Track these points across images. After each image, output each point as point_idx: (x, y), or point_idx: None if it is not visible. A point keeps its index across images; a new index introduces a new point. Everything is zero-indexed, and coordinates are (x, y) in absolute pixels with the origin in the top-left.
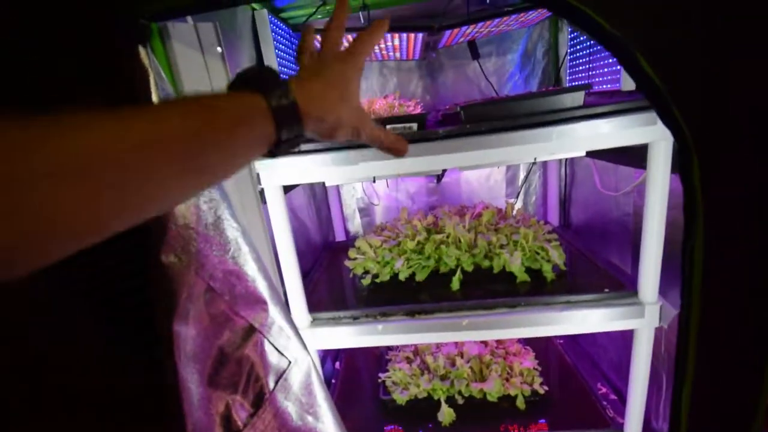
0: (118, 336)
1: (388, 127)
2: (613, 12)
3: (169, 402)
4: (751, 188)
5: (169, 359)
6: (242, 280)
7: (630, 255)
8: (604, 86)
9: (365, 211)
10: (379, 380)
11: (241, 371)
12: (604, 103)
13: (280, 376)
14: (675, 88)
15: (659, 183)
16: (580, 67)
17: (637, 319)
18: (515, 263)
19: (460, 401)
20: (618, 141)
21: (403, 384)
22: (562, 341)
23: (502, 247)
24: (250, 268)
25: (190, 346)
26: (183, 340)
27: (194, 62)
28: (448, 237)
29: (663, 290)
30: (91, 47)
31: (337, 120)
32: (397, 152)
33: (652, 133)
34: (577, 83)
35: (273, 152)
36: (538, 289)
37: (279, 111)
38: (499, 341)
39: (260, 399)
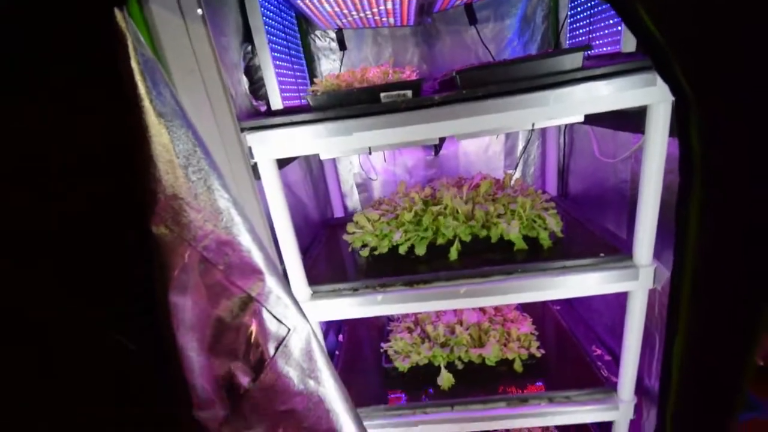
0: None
1: (382, 95)
2: None
3: (170, 369)
4: (750, 147)
5: (167, 329)
6: (236, 250)
7: (626, 221)
8: (604, 49)
9: (363, 187)
10: (381, 350)
11: (240, 339)
12: (603, 65)
13: (280, 342)
14: (675, 42)
15: (657, 146)
16: (580, 31)
17: (631, 282)
18: (513, 231)
19: (460, 366)
20: (617, 103)
21: (404, 352)
22: (558, 307)
23: (499, 216)
24: (244, 239)
25: (187, 316)
26: (180, 311)
27: (174, 26)
28: (445, 208)
29: (657, 253)
30: (64, 11)
31: None
32: None
33: (651, 95)
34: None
35: None
36: (535, 256)
37: None
38: (497, 309)
39: (261, 364)
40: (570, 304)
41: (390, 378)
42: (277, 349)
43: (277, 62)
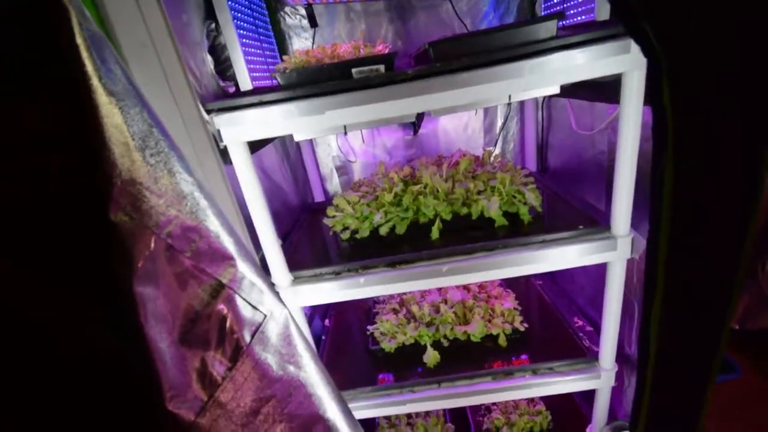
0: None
1: (354, 70)
2: None
3: (140, 362)
4: (721, 106)
5: (134, 321)
6: (204, 236)
7: (604, 192)
8: (578, 18)
9: (343, 170)
10: (368, 332)
11: (213, 327)
12: (577, 34)
13: (257, 329)
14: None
15: (632, 114)
16: (555, 0)
17: (610, 252)
18: (493, 208)
19: (446, 344)
20: (591, 72)
21: (390, 333)
22: (540, 282)
23: (479, 193)
24: (212, 224)
25: (155, 307)
26: (147, 301)
27: None
28: (425, 187)
29: (634, 223)
30: None
31: None
32: None
33: (625, 63)
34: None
35: None
36: (516, 231)
37: None
38: (480, 286)
39: (237, 352)
40: (552, 279)
41: (377, 359)
42: (253, 335)
43: (244, 40)
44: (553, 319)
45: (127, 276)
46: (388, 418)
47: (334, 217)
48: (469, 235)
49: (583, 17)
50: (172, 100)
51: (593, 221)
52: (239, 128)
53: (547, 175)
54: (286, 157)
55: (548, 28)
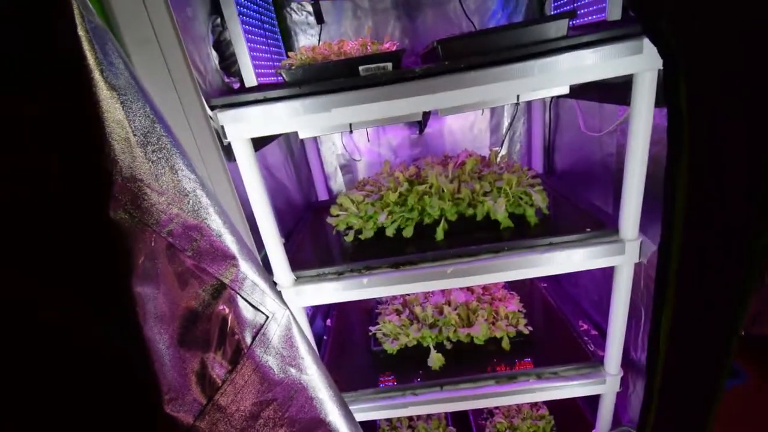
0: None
1: (361, 68)
2: None
3: (137, 363)
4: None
5: (132, 321)
6: (206, 235)
7: (612, 195)
8: (588, 18)
9: (347, 168)
10: (370, 333)
11: (214, 329)
12: (588, 33)
13: (258, 331)
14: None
15: (643, 116)
16: (564, 0)
17: (617, 256)
18: (499, 210)
19: (449, 346)
20: (602, 73)
21: (393, 335)
22: (545, 285)
23: (485, 194)
24: (214, 222)
25: (154, 307)
26: (146, 301)
27: None
28: (431, 187)
29: (643, 228)
30: None
31: None
32: None
33: (637, 64)
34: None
35: None
36: (522, 233)
37: None
38: (485, 288)
39: (238, 355)
40: (557, 282)
41: (379, 361)
42: (254, 337)
43: (250, 36)
44: (558, 322)
45: (125, 275)
46: (389, 420)
47: (337, 216)
48: (475, 236)
49: (594, 17)
50: (176, 96)
51: (601, 224)
52: (243, 125)
53: (553, 177)
54: (290, 155)
55: (559, 27)
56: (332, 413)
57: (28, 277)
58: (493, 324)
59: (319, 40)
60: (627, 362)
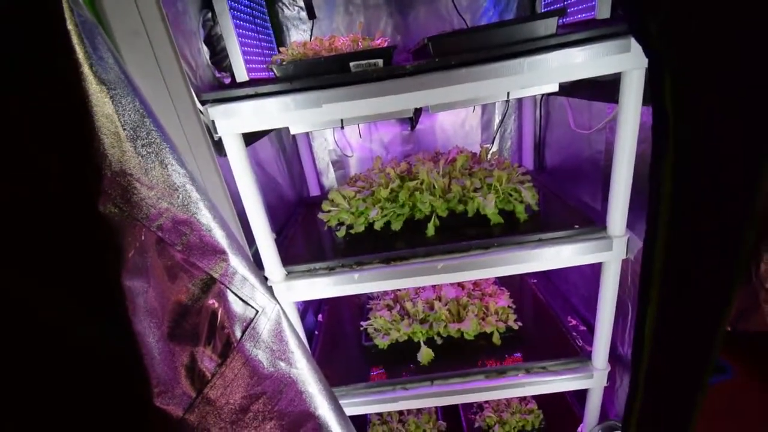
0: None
1: (352, 64)
2: None
3: (128, 357)
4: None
5: (121, 314)
6: (195, 229)
7: (601, 192)
8: (578, 16)
9: (339, 164)
10: (361, 328)
11: (203, 323)
12: (578, 31)
13: (248, 325)
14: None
15: (631, 114)
16: None
17: (605, 252)
18: (489, 206)
19: (439, 342)
20: (591, 71)
21: (384, 330)
22: (535, 281)
23: (476, 190)
24: (204, 217)
25: (144, 301)
26: (136, 295)
27: None
28: (422, 183)
29: (630, 224)
30: None
31: None
32: None
33: (625, 62)
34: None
35: None
36: (512, 229)
37: None
38: (475, 284)
39: (227, 349)
40: (547, 278)
41: (370, 356)
42: (244, 331)
43: (241, 31)
44: (547, 318)
45: (115, 269)
46: (379, 414)
47: (329, 211)
48: (465, 232)
49: (583, 15)
50: (166, 90)
51: (589, 221)
52: (234, 120)
53: (543, 174)
54: (281, 151)
55: (548, 25)
56: (322, 407)
57: (28, 277)
58: (483, 319)
59: (310, 36)
60: (614, 357)
